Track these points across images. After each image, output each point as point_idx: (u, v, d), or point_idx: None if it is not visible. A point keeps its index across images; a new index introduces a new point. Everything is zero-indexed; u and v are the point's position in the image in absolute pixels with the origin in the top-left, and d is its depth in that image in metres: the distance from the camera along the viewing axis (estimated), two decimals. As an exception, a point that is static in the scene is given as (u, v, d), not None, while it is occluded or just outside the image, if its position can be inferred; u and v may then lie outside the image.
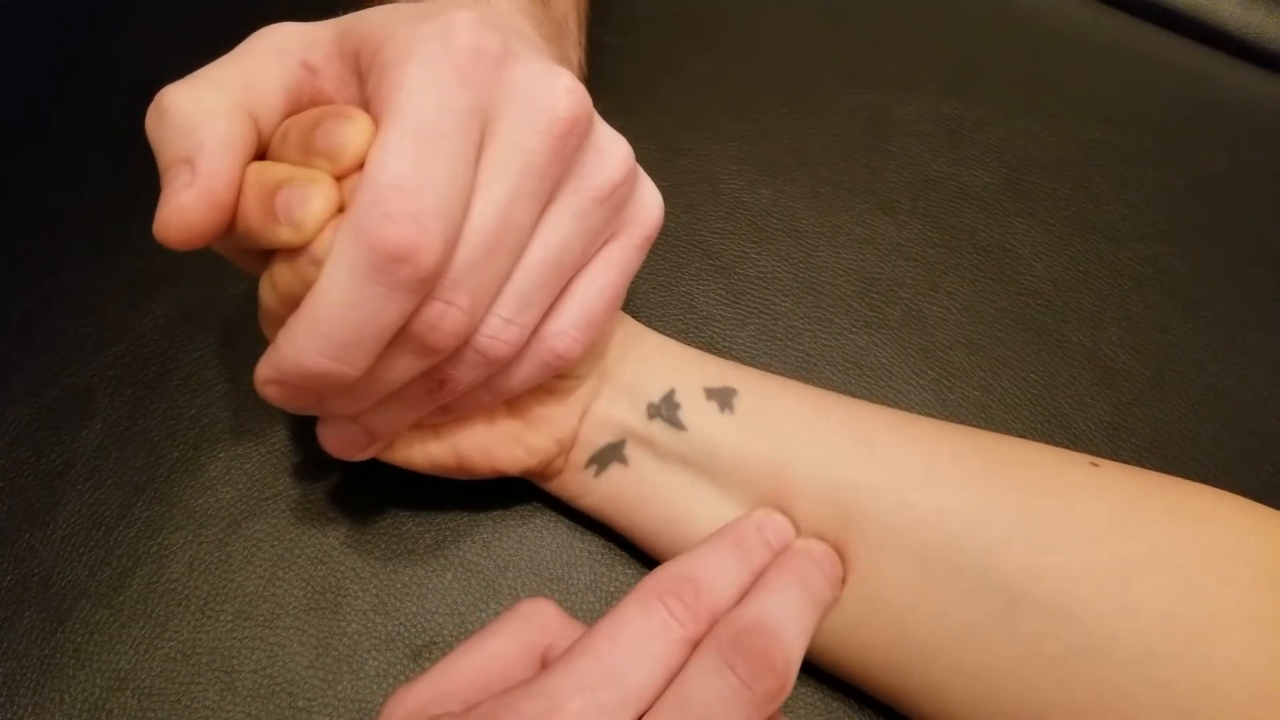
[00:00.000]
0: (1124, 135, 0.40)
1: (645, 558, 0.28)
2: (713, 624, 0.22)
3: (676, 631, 0.21)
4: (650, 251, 0.34)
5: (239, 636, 0.27)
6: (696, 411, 0.26)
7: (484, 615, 0.28)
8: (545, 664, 0.23)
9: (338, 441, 0.24)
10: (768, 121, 0.38)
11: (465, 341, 0.22)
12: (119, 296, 0.33)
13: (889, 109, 0.39)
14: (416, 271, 0.19)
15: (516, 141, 0.20)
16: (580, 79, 0.32)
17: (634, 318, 0.30)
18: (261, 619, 0.27)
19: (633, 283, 0.33)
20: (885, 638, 0.25)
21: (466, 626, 0.27)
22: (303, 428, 0.30)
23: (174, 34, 0.40)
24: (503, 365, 0.23)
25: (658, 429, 0.26)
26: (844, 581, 0.25)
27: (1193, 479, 0.26)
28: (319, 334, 0.19)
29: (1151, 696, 0.23)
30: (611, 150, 0.23)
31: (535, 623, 0.23)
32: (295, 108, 0.22)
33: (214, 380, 0.31)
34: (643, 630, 0.21)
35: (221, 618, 0.27)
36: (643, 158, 0.36)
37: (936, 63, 0.41)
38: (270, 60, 0.22)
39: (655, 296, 0.34)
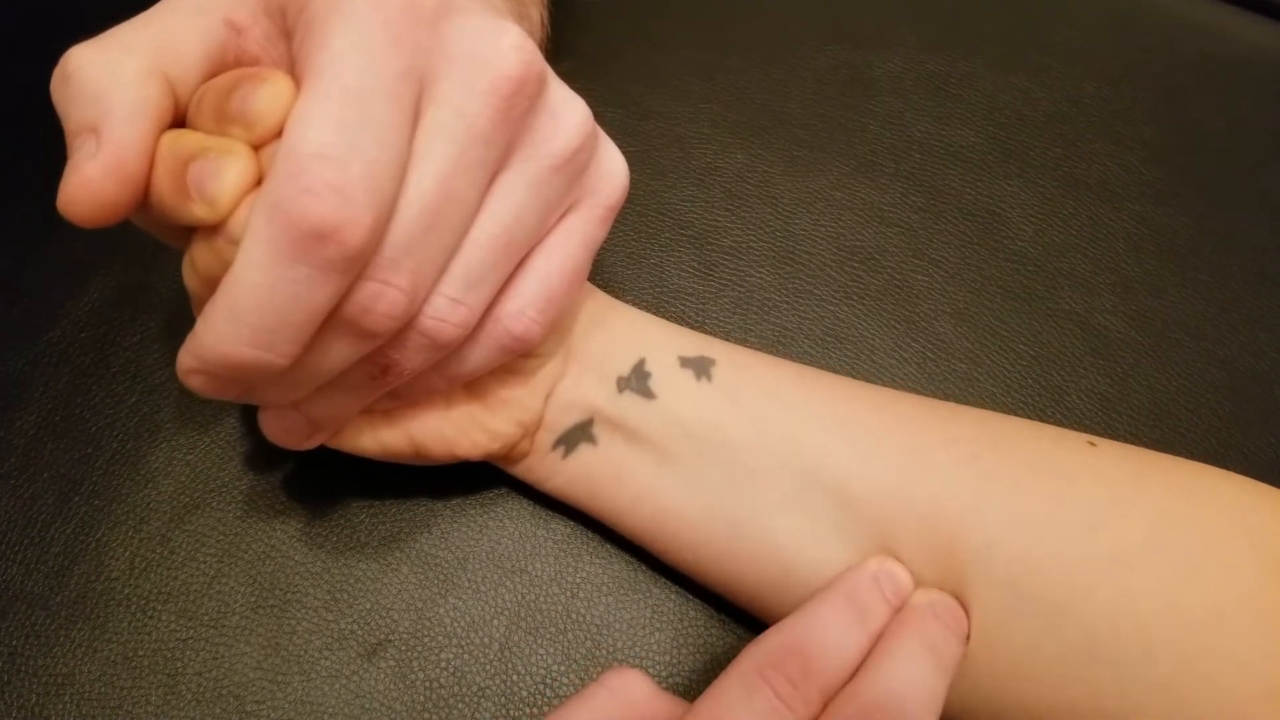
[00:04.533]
0: (1117, 90, 0.38)
1: (611, 545, 0.27)
2: (824, 702, 0.20)
3: (784, 715, 0.19)
4: (618, 220, 0.32)
5: (182, 637, 0.25)
6: (668, 380, 0.25)
7: (441, 610, 0.26)
8: None
9: (280, 431, 0.22)
10: (741, 82, 0.36)
11: (407, 324, 0.20)
12: (53, 280, 0.31)
13: (869, 66, 0.37)
14: (342, 250, 0.17)
15: (457, 104, 0.18)
16: (542, 38, 0.30)
17: (605, 292, 0.28)
18: (206, 618, 0.26)
19: (600, 254, 0.31)
20: None
21: (423, 623, 0.26)
22: (250, 414, 0.29)
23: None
24: (452, 348, 0.21)
25: (627, 403, 0.25)
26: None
27: (1193, 452, 0.25)
28: (239, 321, 0.18)
29: (1152, 694, 0.21)
30: (567, 113, 0.20)
31: (621, 699, 0.21)
32: (218, 69, 0.20)
33: (154, 366, 0.29)
34: (745, 715, 0.19)
35: (164, 618, 0.26)
36: (610, 122, 0.34)
37: (919, 17, 0.39)
38: (190, 18, 0.20)
39: (624, 269, 0.32)
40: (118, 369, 0.29)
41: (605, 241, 0.32)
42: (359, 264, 0.18)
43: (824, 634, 0.21)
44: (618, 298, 0.28)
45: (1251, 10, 0.43)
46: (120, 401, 0.29)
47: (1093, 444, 0.25)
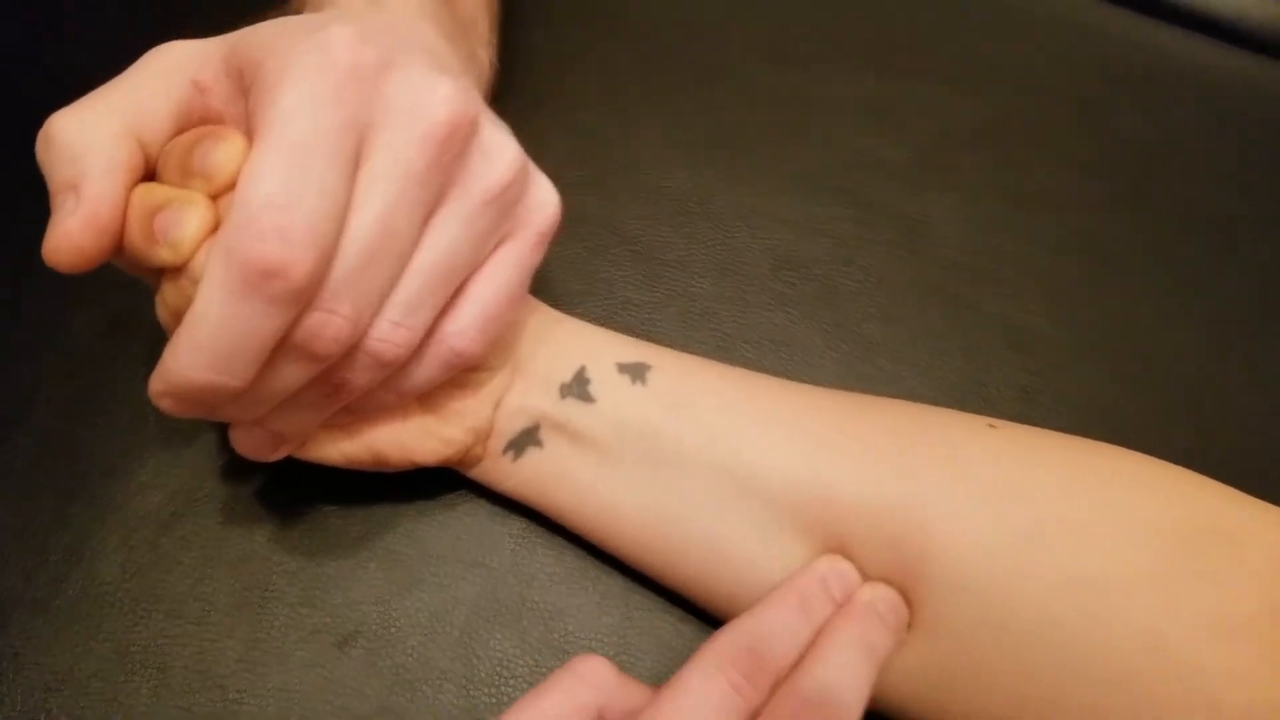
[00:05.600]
0: (1043, 104, 0.40)
1: (563, 539, 0.29)
2: (774, 690, 0.23)
3: (737, 703, 0.22)
4: (570, 239, 0.35)
5: (170, 634, 0.28)
6: (607, 385, 0.27)
7: (407, 603, 0.28)
8: None
9: (248, 445, 0.25)
10: (686, 107, 0.39)
11: (354, 346, 0.22)
12: (53, 307, 0.33)
13: (807, 89, 0.39)
14: (287, 286, 0.19)
15: (394, 151, 0.21)
16: (490, 78, 0.32)
17: (554, 304, 0.30)
18: (192, 617, 0.28)
19: (552, 271, 0.34)
20: None
21: (391, 614, 0.28)
22: (226, 432, 0.31)
23: (117, 42, 0.40)
24: (397, 367, 0.23)
25: (569, 408, 0.27)
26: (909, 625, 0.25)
27: (1111, 442, 0.27)
28: (199, 349, 0.20)
29: (1055, 664, 0.24)
30: (499, 153, 0.23)
31: (589, 681, 0.23)
32: (186, 126, 0.23)
33: (141, 389, 0.31)
34: (704, 702, 0.22)
35: (153, 617, 0.28)
36: (561, 148, 0.37)
37: (854, 40, 0.41)
38: (159, 81, 0.22)
39: (574, 283, 0.34)
40: (109, 392, 0.32)
41: (557, 258, 0.35)
42: (304, 298, 0.20)
43: (774, 631, 0.24)
44: (569, 311, 0.30)
45: (1174, 23, 0.45)
46: (112, 422, 0.31)
47: (993, 426, 0.27)
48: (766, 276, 0.35)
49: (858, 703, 0.23)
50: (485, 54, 0.31)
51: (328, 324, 0.21)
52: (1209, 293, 0.35)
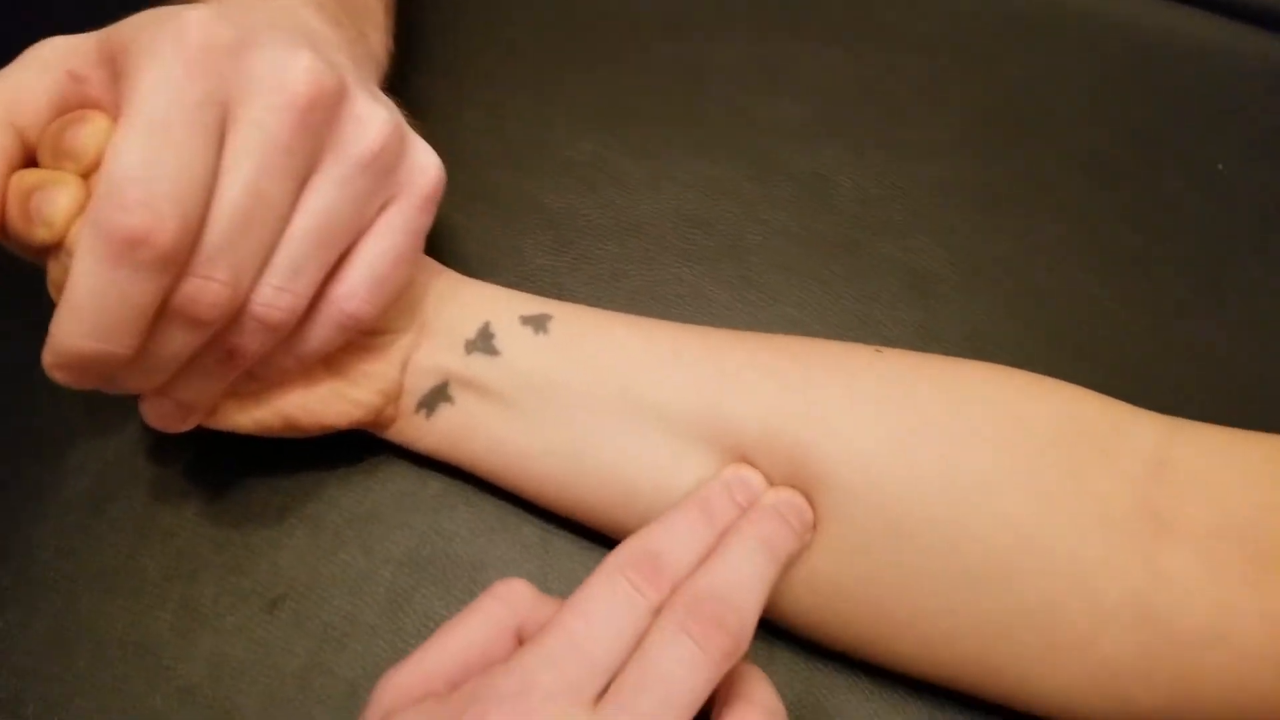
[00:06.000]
0: (932, 58, 0.42)
1: (482, 493, 0.30)
2: (674, 590, 0.24)
3: (639, 602, 0.23)
4: (480, 211, 0.36)
5: (104, 610, 0.29)
6: (510, 338, 0.29)
7: (333, 565, 0.30)
8: (522, 641, 0.24)
9: (156, 416, 0.26)
10: (589, 80, 0.40)
11: (240, 311, 0.23)
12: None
13: (705, 55, 0.41)
14: (154, 252, 0.21)
15: (258, 122, 0.22)
16: (384, 60, 0.34)
17: (467, 274, 0.31)
18: (124, 590, 0.29)
19: (463, 242, 0.35)
20: None
21: (318, 576, 0.29)
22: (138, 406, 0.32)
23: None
24: (287, 331, 0.25)
25: (476, 363, 0.28)
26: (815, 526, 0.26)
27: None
28: (79, 319, 0.21)
29: (938, 561, 0.25)
30: (370, 118, 0.24)
31: (508, 602, 0.25)
32: (64, 114, 0.24)
33: None
34: (607, 604, 0.23)
35: (88, 594, 0.29)
36: (470, 124, 0.39)
37: (743, 6, 0.42)
38: (36, 73, 0.23)
39: (486, 253, 0.35)
40: (35, 383, 0.32)
41: (468, 230, 0.36)
42: (174, 264, 0.21)
43: (676, 536, 0.25)
44: (482, 278, 0.31)
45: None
46: (38, 412, 0.32)
47: (878, 351, 0.28)
48: (672, 236, 0.36)
49: (755, 598, 0.24)
50: (378, 36, 0.32)
51: (205, 289, 0.22)
52: (1095, 226, 0.37)
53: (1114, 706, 0.25)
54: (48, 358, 0.22)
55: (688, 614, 0.23)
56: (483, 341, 0.29)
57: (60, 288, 0.22)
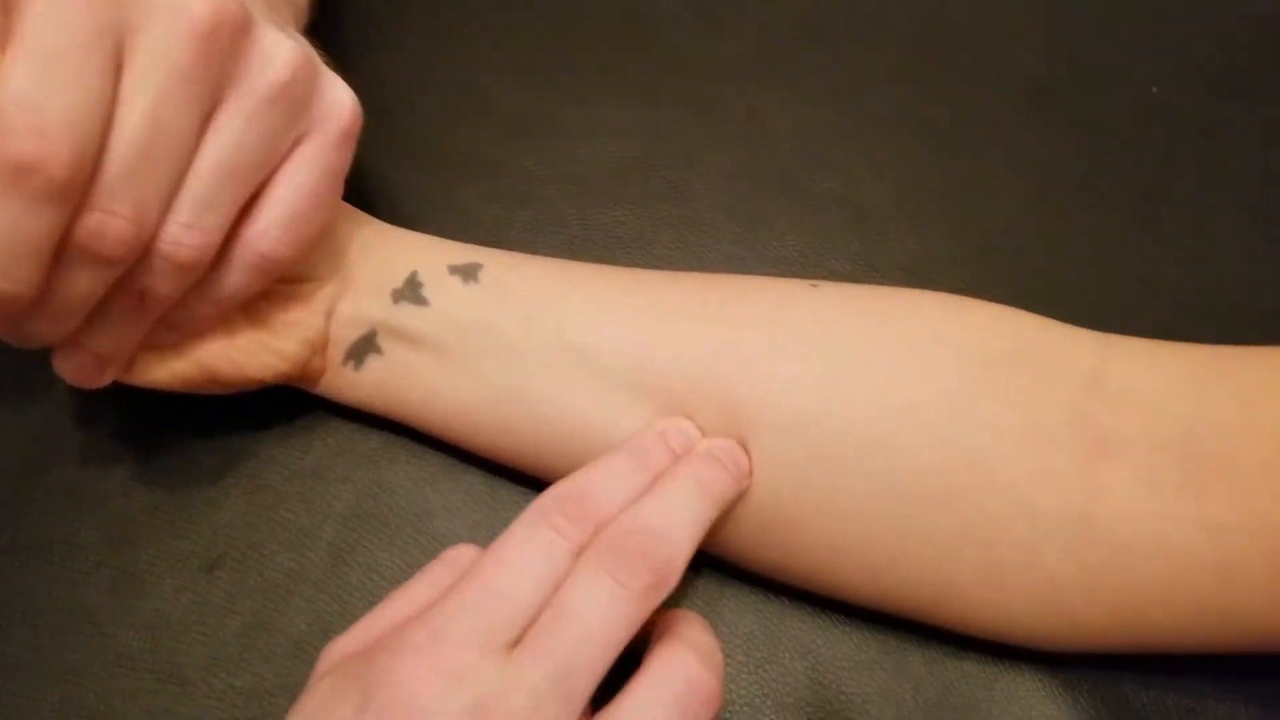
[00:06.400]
0: (871, -8, 0.41)
1: (422, 445, 0.30)
2: (598, 531, 0.23)
3: (560, 545, 0.22)
4: (415, 163, 0.36)
5: (42, 578, 0.28)
6: (439, 287, 0.28)
7: (272, 523, 0.29)
8: None
9: (72, 370, 0.25)
10: (525, 28, 0.39)
11: (149, 251, 0.23)
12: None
13: (640, 2, 0.40)
14: (47, 180, 0.20)
15: (156, 50, 0.21)
16: (305, 4, 0.33)
17: (404, 228, 0.31)
18: (59, 560, 0.28)
19: (399, 195, 0.35)
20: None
21: (257, 535, 0.29)
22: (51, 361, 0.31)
23: None
24: (199, 272, 0.24)
25: (404, 312, 0.28)
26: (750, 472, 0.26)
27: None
28: None
29: (878, 490, 0.25)
30: (276, 51, 0.23)
31: (455, 567, 0.24)
32: None
33: None
34: (526, 549, 0.22)
35: (24, 566, 0.28)
36: (402, 76, 0.38)
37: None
38: None
39: (421, 207, 0.35)
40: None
41: (403, 183, 0.35)
42: (70, 193, 0.20)
43: (604, 479, 0.24)
44: (417, 230, 0.31)
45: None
46: (-35, 385, 0.31)
47: (814, 285, 0.28)
48: (612, 182, 0.35)
49: (685, 534, 0.24)
50: None
51: (107, 224, 0.21)
52: (1034, 155, 0.37)
53: (1058, 623, 0.26)
54: None
55: (609, 551, 0.22)
56: (410, 291, 0.28)
57: None
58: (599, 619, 0.21)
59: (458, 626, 0.21)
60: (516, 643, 0.21)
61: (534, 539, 0.23)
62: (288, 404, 0.30)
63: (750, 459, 0.26)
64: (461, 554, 0.25)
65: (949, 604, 0.26)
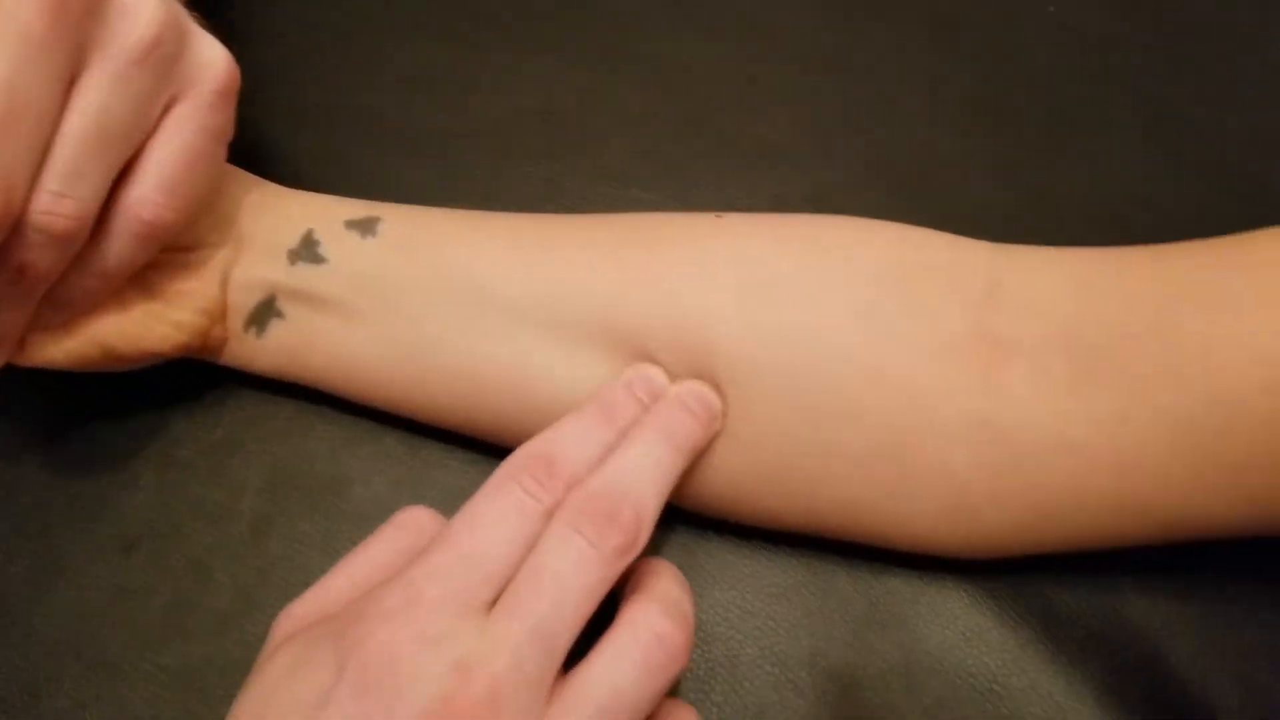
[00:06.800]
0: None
1: (336, 410, 0.30)
2: (568, 491, 0.23)
3: (531, 507, 0.23)
4: (320, 128, 0.35)
5: (-49, 574, 0.28)
6: (337, 243, 0.27)
7: (188, 499, 0.29)
8: None
9: (-41, 355, 0.24)
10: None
11: (21, 223, 0.22)
12: None
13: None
14: None
15: (5, 15, 0.21)
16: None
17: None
18: (-30, 553, 0.28)
19: (305, 163, 0.34)
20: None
21: (172, 514, 0.28)
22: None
23: None
24: (78, 242, 0.23)
25: (302, 273, 0.27)
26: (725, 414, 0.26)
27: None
28: None
29: (798, 409, 0.25)
30: (138, 10, 0.23)
31: (409, 528, 0.24)
32: None
33: None
34: (498, 511, 0.22)
35: (-69, 563, 0.28)
36: (296, 38, 0.37)
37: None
38: None
39: (323, 168, 0.34)
40: None
41: (309, 150, 0.34)
42: None
43: (571, 438, 0.24)
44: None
45: None
46: None
47: (719, 216, 0.28)
48: (520, 133, 0.35)
49: (654, 490, 0.24)
50: None
51: None
52: (938, 80, 0.37)
53: (971, 529, 0.26)
54: None
55: (580, 512, 0.22)
56: (306, 250, 0.27)
57: None
58: (573, 578, 0.22)
59: (433, 590, 0.21)
60: (492, 604, 0.21)
61: (504, 501, 0.23)
62: (194, 379, 0.30)
63: (724, 400, 0.26)
64: (414, 515, 0.25)
65: (867, 520, 0.26)
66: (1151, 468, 0.24)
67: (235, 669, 0.25)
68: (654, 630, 0.22)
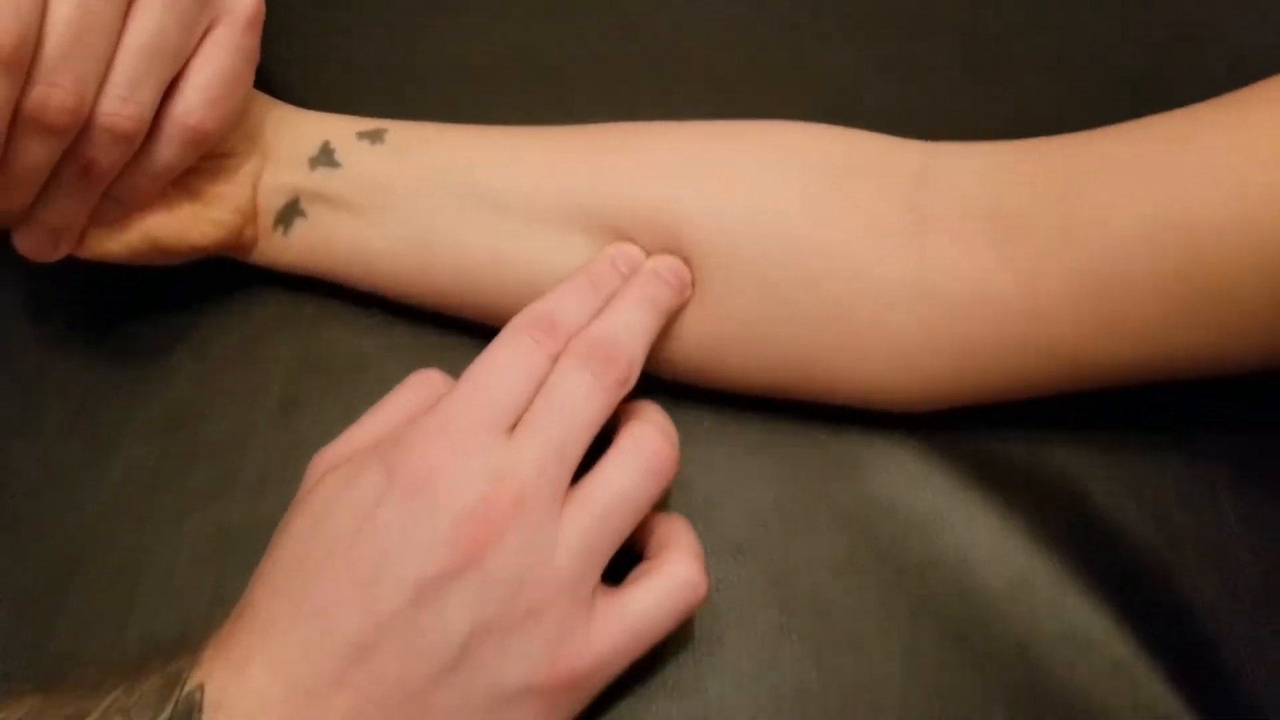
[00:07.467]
0: None
1: (353, 306, 0.33)
2: (569, 342, 0.27)
3: (539, 352, 0.27)
4: (281, 71, 0.38)
5: (12, 452, 0.31)
6: (349, 151, 0.32)
7: (222, 385, 0.32)
8: None
9: (29, 244, 0.28)
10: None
11: (90, 124, 0.26)
12: None
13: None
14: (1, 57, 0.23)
15: None
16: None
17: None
18: (28, 435, 0.31)
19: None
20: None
21: (209, 398, 0.32)
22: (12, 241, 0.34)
23: None
24: (136, 142, 0.27)
25: (321, 177, 0.31)
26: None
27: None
28: None
29: (749, 282, 0.29)
30: None
31: (423, 386, 0.28)
32: None
33: None
34: (512, 355, 0.27)
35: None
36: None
37: None
38: None
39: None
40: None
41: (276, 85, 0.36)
42: (18, 68, 0.24)
43: (566, 301, 0.28)
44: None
45: None
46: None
47: (685, 123, 0.32)
48: (491, 75, 0.39)
49: (641, 340, 0.28)
50: None
51: (51, 95, 0.25)
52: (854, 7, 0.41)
53: (910, 380, 0.30)
54: None
55: (582, 354, 0.26)
56: (324, 157, 0.32)
57: None
58: (581, 404, 0.26)
59: (462, 417, 0.25)
60: (512, 429, 0.25)
61: (516, 348, 0.27)
62: (225, 282, 0.33)
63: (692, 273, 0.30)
64: (426, 375, 0.29)
65: (819, 376, 0.30)
66: (1061, 316, 0.28)
67: (269, 529, 0.28)
68: (651, 444, 0.26)
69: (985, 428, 0.32)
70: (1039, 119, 0.38)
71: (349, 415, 0.32)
